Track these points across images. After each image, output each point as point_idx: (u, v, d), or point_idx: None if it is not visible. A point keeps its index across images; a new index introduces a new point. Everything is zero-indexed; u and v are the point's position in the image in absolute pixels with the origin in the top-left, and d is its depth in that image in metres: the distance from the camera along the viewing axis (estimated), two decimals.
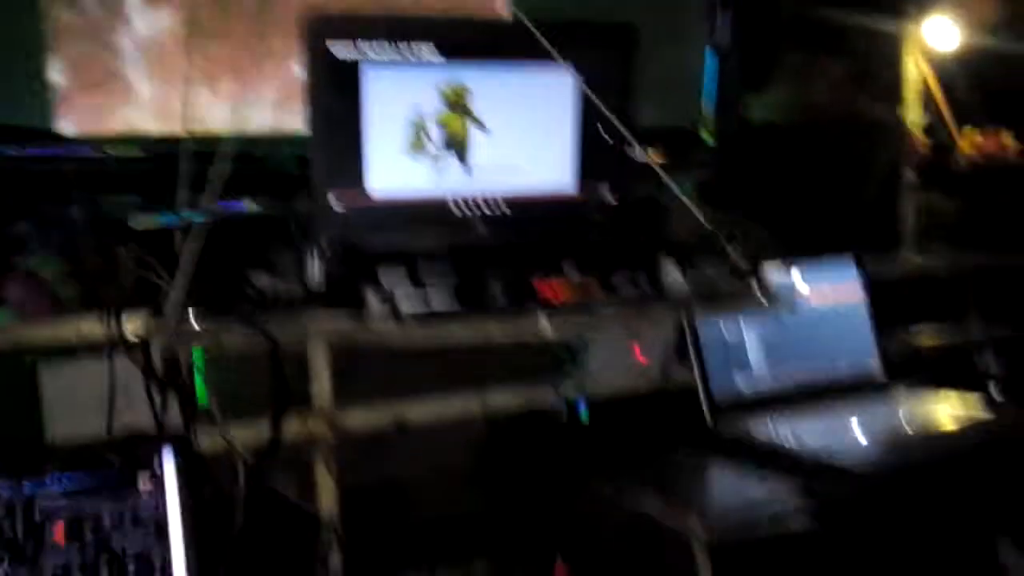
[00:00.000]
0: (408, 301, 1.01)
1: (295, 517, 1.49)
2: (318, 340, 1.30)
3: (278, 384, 1.21)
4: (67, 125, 1.45)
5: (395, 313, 1.00)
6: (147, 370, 1.33)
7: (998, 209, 2.17)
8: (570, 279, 1.06)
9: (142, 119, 1.49)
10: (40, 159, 1.46)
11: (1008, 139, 2.18)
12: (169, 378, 1.35)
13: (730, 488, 1.35)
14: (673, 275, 1.08)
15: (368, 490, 1.53)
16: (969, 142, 2.17)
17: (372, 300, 1.01)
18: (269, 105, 1.54)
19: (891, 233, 2.17)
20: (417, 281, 1.04)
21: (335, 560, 1.46)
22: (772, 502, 1.21)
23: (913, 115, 2.15)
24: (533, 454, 1.58)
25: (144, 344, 1.32)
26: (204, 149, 1.24)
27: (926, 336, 2.07)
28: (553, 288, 1.04)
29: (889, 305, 1.93)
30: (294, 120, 1.38)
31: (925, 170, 2.17)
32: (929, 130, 2.18)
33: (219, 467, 1.42)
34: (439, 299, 1.03)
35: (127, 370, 1.36)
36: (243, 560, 1.42)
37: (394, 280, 1.03)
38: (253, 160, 1.49)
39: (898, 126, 2.16)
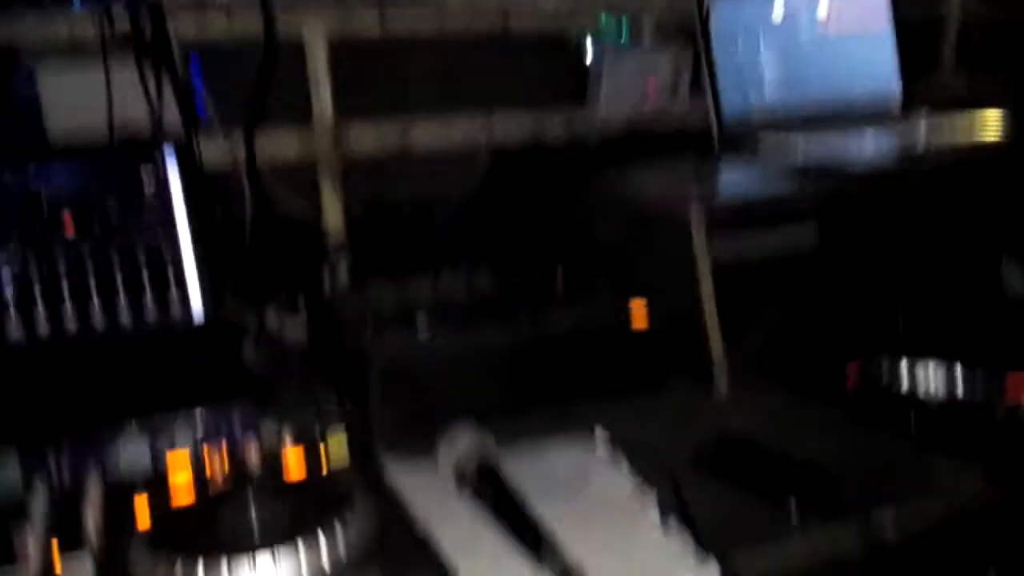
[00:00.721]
0: None
1: (302, 233, 1.51)
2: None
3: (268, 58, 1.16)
4: None
5: None
6: (140, 67, 1.32)
7: None
8: None
9: None
10: None
11: None
12: (166, 77, 1.34)
13: (730, 178, 1.33)
14: None
15: (373, 210, 1.54)
16: None
17: None
18: None
19: None
20: None
21: (342, 272, 1.49)
22: (770, 190, 1.19)
23: None
24: (538, 179, 1.57)
25: (138, 38, 1.30)
26: None
27: (958, 80, 1.99)
28: None
29: (923, 47, 1.84)
30: None
31: None
32: None
33: (224, 184, 1.44)
34: None
35: (127, 79, 1.35)
36: (251, 274, 1.45)
37: None
38: None
39: None
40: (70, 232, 1.23)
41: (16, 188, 1.21)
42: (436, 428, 1.04)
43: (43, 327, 1.20)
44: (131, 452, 0.97)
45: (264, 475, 0.88)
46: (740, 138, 1.48)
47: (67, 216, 1.23)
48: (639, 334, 1.21)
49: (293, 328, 1.39)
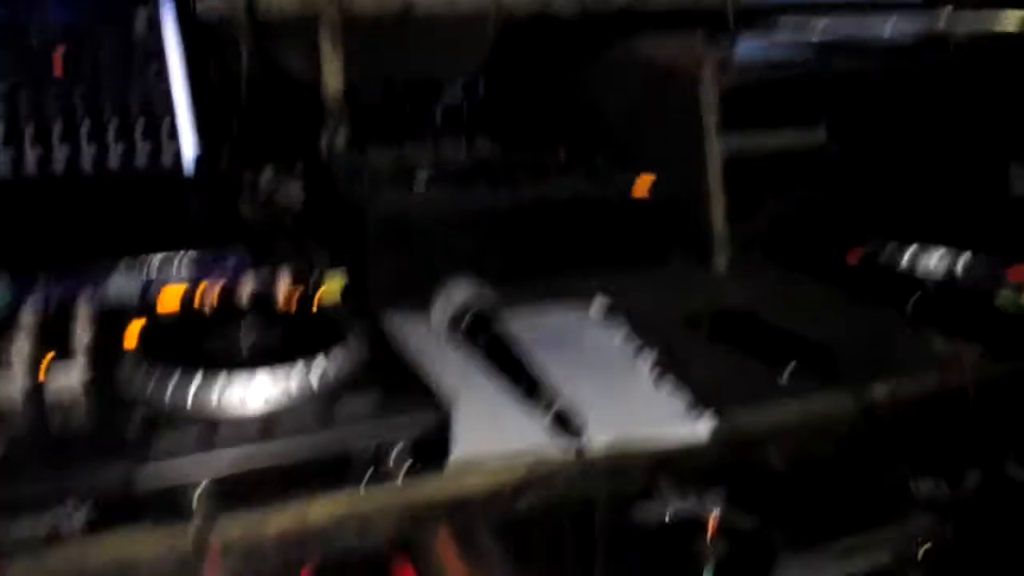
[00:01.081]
0: None
1: (300, 94, 1.47)
2: None
3: None
4: None
5: None
6: None
7: None
8: None
9: None
10: None
11: None
12: None
13: (743, 49, 1.29)
14: None
15: (375, 79, 1.49)
16: None
17: None
18: None
19: None
20: None
21: (340, 136, 1.46)
22: (784, 61, 1.15)
23: None
24: (543, 54, 1.52)
25: None
26: None
27: None
28: None
29: None
30: None
31: None
32: None
33: (221, 36, 1.39)
34: None
35: None
36: (248, 133, 1.41)
37: None
38: None
39: None
40: (59, 71, 1.19)
41: (3, 21, 1.17)
42: (432, 286, 1.03)
43: (31, 165, 1.17)
44: (123, 285, 0.95)
45: (257, 306, 0.86)
46: (756, 18, 1.43)
47: (56, 54, 1.19)
48: (641, 206, 1.19)
49: (289, 191, 1.36)
